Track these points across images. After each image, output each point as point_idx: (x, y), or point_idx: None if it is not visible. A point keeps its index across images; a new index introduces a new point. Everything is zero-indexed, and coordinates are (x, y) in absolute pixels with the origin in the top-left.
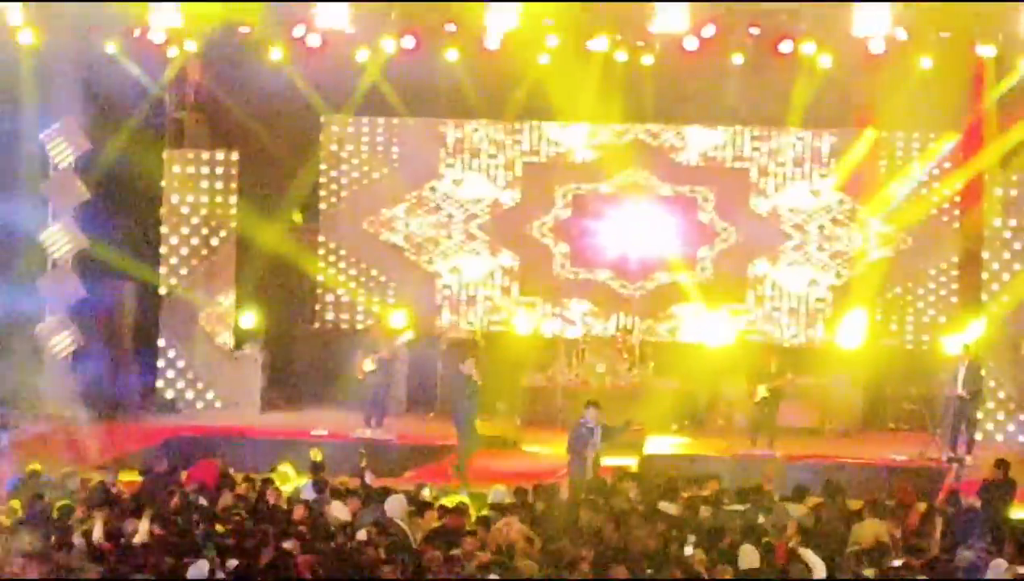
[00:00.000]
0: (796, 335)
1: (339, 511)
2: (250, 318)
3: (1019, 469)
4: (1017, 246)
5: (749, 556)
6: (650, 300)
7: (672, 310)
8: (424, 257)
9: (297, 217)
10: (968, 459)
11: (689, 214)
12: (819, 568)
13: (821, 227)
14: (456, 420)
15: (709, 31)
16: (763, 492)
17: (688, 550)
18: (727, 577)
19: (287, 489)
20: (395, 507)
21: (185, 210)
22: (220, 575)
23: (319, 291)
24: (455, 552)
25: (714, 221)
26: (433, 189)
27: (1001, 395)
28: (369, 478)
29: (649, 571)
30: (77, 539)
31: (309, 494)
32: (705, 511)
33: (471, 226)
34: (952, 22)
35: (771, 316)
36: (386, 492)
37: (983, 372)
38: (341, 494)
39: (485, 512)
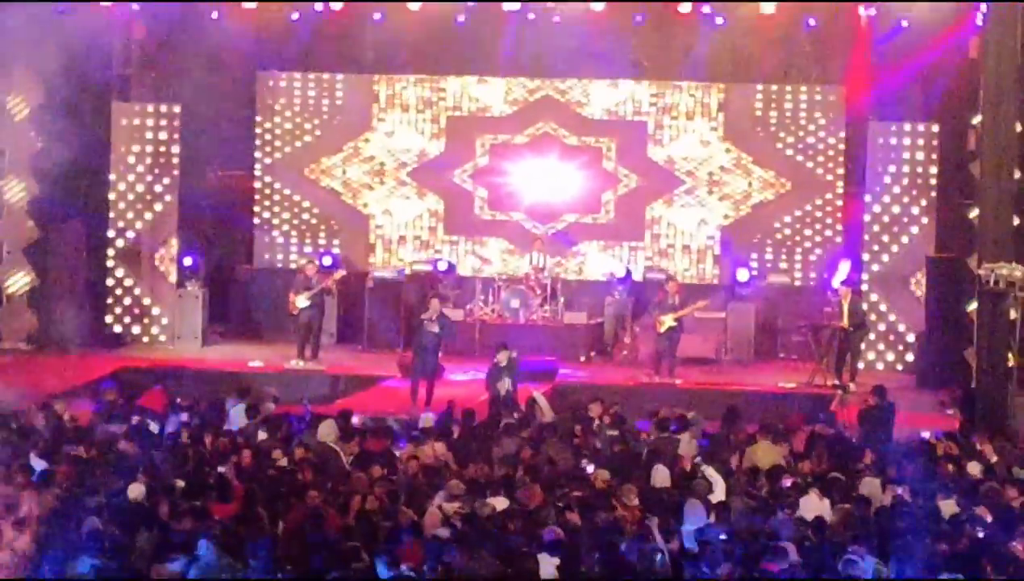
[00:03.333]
0: (688, 270)
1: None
2: (192, 259)
3: (898, 395)
4: (896, 189)
5: (661, 475)
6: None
7: (579, 249)
8: (360, 201)
9: None
10: (852, 386)
11: (594, 162)
12: (720, 485)
13: (710, 173)
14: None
15: None
16: (662, 418)
17: (590, 469)
18: (632, 495)
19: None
20: (327, 432)
21: (131, 159)
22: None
23: (255, 234)
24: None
25: (616, 169)
26: (367, 140)
27: (882, 327)
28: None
29: (564, 490)
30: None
31: (241, 421)
32: (613, 434)
33: (401, 173)
34: None
35: (667, 253)
36: (318, 419)
37: (864, 306)
38: (274, 421)
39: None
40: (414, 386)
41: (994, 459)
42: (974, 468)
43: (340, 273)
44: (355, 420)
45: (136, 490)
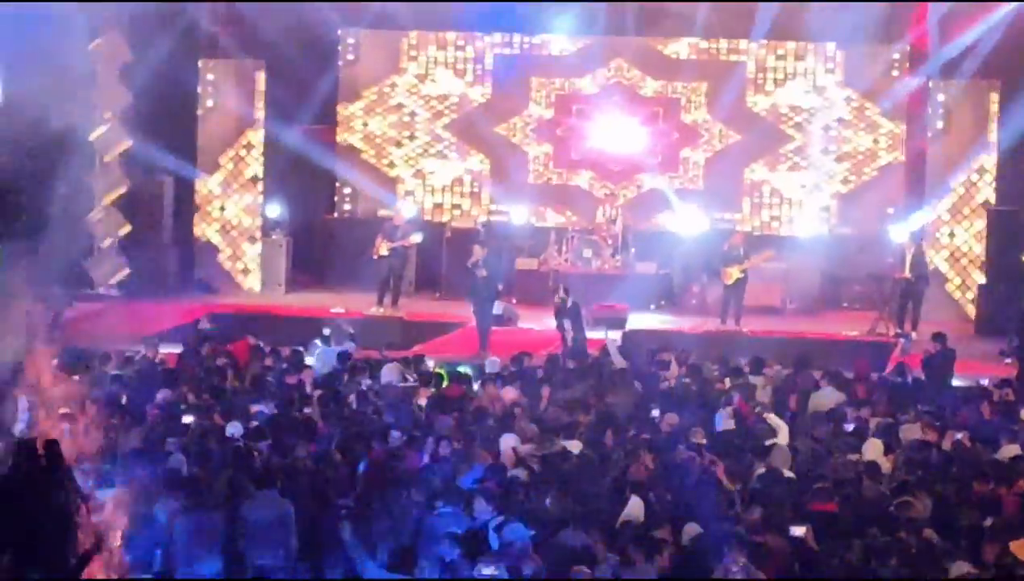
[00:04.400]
0: (757, 223)
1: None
2: (276, 209)
3: (958, 343)
4: (958, 144)
5: (725, 420)
6: (633, 202)
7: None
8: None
9: None
10: (914, 335)
11: (672, 115)
12: (783, 430)
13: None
14: (473, 302)
15: None
16: (732, 364)
17: (655, 413)
18: (701, 440)
19: (311, 361)
20: (389, 375)
21: (217, 114)
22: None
23: (337, 185)
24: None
25: (698, 122)
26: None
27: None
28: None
29: (631, 432)
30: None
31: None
32: (686, 381)
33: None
34: None
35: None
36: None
37: (927, 258)
38: (358, 367)
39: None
40: (479, 331)
41: None
42: None
43: (417, 237)
44: (430, 364)
45: (233, 428)
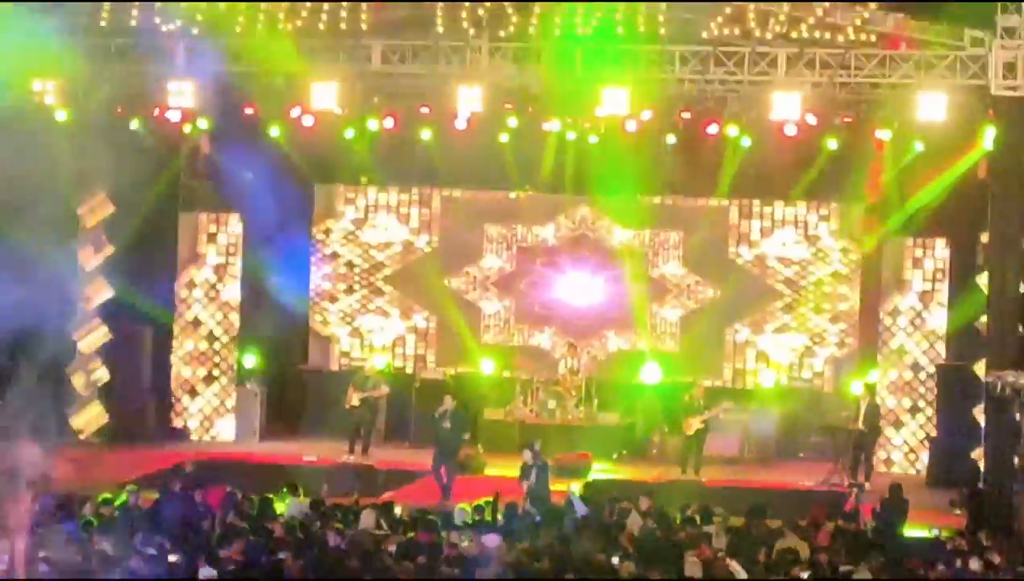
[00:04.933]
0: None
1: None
2: (251, 359)
3: (910, 493)
4: (910, 301)
5: (692, 565)
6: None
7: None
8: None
9: None
10: (867, 485)
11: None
12: (742, 576)
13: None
14: (440, 451)
15: (647, 115)
16: (688, 513)
17: (614, 561)
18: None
19: (283, 507)
20: (367, 520)
21: (195, 267)
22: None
23: (309, 337)
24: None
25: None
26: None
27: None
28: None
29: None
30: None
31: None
32: (641, 529)
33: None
34: (854, 109)
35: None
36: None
37: (880, 410)
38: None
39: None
40: (436, 479)
41: (997, 559)
42: (975, 564)
43: (385, 388)
44: (397, 511)
45: (206, 573)
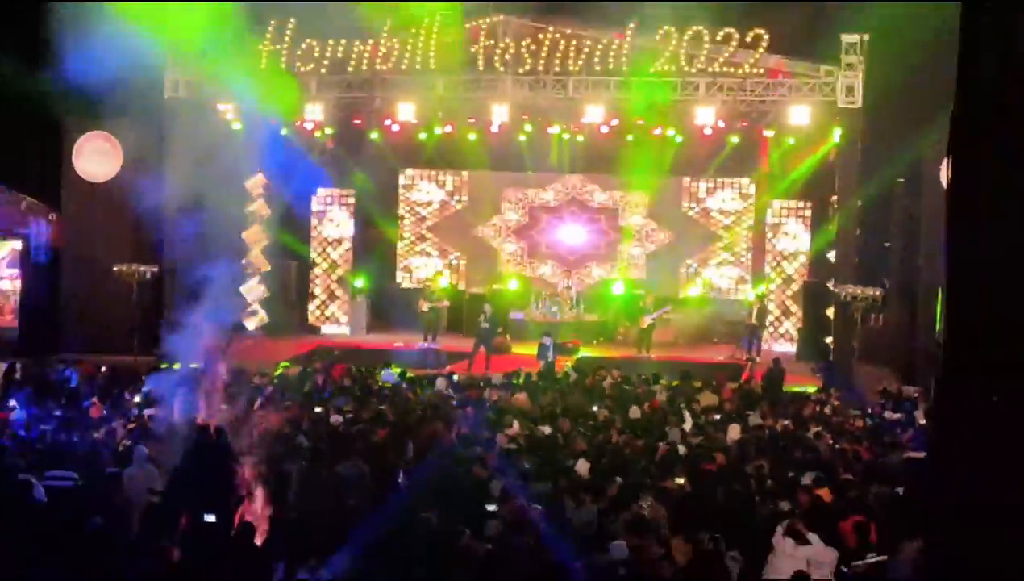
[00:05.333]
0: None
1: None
2: (360, 281)
3: (786, 364)
4: (787, 241)
5: (634, 411)
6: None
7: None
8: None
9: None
10: (757, 359)
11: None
12: (688, 418)
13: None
14: (478, 338)
15: (614, 122)
16: (643, 377)
17: (595, 408)
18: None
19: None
20: (440, 385)
21: (324, 225)
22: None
23: (398, 264)
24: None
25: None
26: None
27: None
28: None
29: (580, 419)
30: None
31: (392, 379)
32: (612, 388)
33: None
34: (748, 117)
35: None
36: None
37: (766, 310)
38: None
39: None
40: (474, 357)
41: (839, 404)
42: (827, 409)
43: (445, 303)
44: (456, 378)
45: (335, 418)
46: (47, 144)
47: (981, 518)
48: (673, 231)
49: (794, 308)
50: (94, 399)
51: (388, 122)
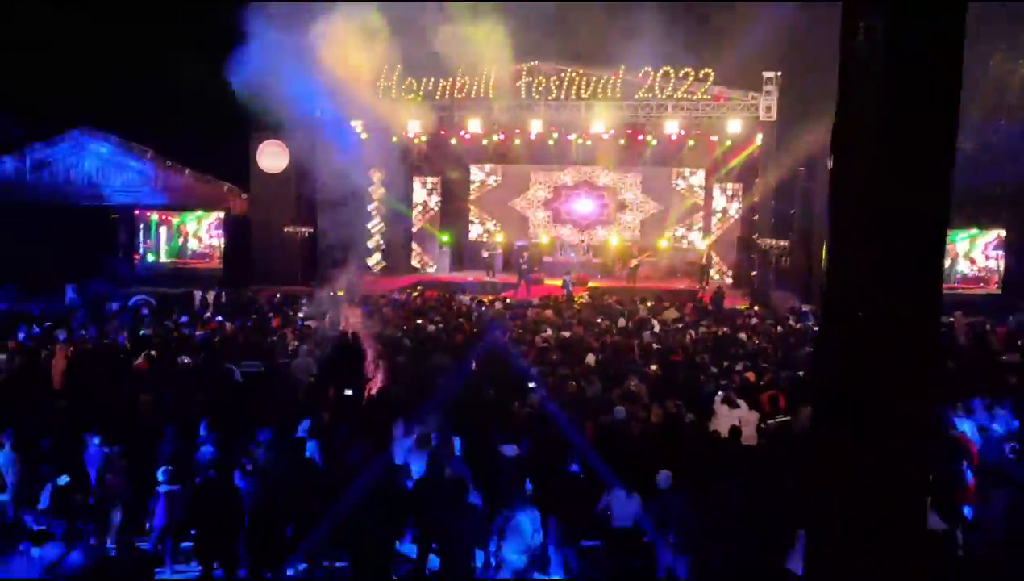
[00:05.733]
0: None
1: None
2: (444, 237)
3: (726, 290)
4: (727, 211)
5: (621, 322)
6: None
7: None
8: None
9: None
10: (707, 286)
11: (613, 194)
12: (656, 325)
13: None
14: (520, 274)
15: (612, 132)
16: (635, 302)
17: (599, 320)
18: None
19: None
20: (497, 308)
21: (417, 209)
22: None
23: (469, 228)
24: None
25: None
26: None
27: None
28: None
29: (589, 327)
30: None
31: (466, 302)
32: (609, 307)
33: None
34: (701, 127)
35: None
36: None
37: (711, 255)
38: (480, 302)
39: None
40: (519, 287)
41: (759, 319)
42: (753, 320)
43: (499, 250)
44: (508, 301)
45: (430, 328)
46: (238, 147)
47: (853, 390)
48: (660, 202)
49: (729, 255)
50: (272, 314)
51: (463, 132)
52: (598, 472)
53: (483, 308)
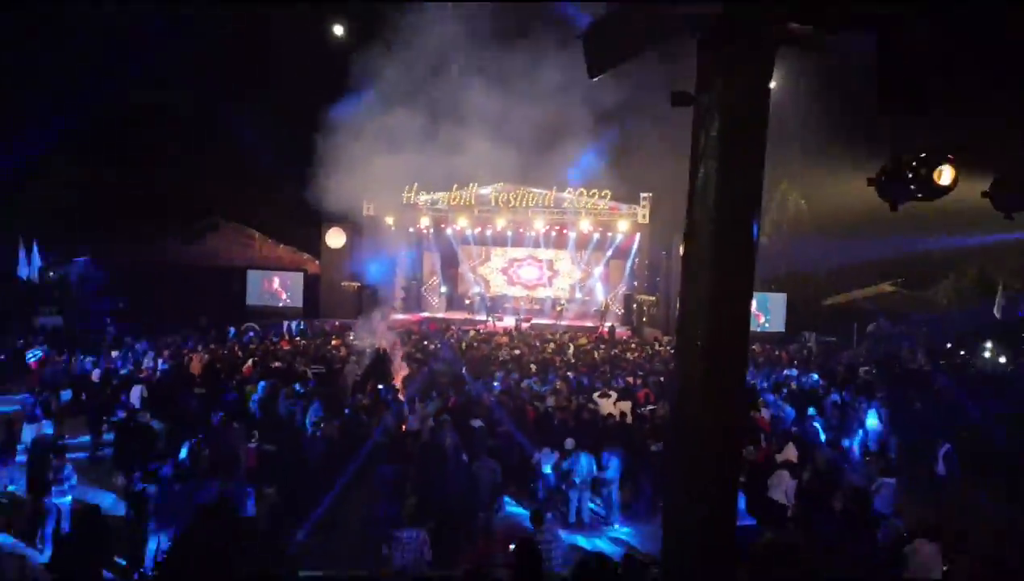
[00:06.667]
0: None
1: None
2: (443, 289)
3: (616, 325)
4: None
5: (548, 345)
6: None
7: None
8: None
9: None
10: (605, 326)
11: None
12: (572, 348)
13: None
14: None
15: (547, 228)
16: (560, 334)
17: (537, 343)
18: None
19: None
20: (472, 334)
21: (423, 268)
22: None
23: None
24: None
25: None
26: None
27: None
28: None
29: (532, 348)
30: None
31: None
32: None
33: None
34: (603, 226)
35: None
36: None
37: (609, 306)
38: (464, 330)
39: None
40: (488, 322)
41: (636, 343)
42: (634, 344)
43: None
44: (480, 331)
45: (431, 346)
46: (313, 233)
47: (694, 388)
48: (579, 271)
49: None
50: (333, 336)
51: (456, 226)
52: (532, 438)
53: (468, 334)
